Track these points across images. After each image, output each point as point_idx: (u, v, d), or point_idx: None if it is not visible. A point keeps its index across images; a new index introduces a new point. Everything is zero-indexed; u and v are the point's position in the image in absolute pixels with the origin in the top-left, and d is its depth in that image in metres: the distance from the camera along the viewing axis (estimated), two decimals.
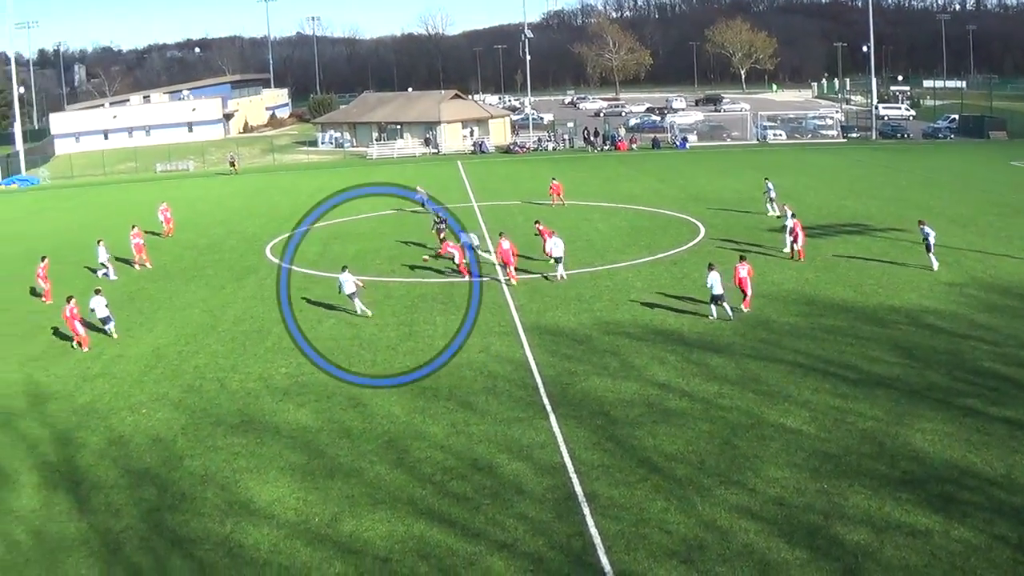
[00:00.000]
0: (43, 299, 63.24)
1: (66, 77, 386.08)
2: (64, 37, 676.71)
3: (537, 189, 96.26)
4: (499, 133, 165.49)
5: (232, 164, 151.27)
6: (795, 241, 60.71)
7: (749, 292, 49.71)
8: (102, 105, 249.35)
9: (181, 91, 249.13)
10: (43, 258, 66.03)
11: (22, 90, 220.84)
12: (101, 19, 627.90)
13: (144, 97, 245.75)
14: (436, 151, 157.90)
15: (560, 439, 34.58)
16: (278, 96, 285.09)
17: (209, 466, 34.76)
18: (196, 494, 32.56)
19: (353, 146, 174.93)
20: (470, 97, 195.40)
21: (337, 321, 52.51)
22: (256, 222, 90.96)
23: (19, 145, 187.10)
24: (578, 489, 30.55)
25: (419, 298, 56.10)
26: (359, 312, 53.62)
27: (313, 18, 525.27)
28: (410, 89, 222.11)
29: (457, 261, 60.80)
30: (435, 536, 28.13)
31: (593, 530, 28.00)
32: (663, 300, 52.43)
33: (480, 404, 38.43)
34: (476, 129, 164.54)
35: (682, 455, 32.74)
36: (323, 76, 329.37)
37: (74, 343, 52.28)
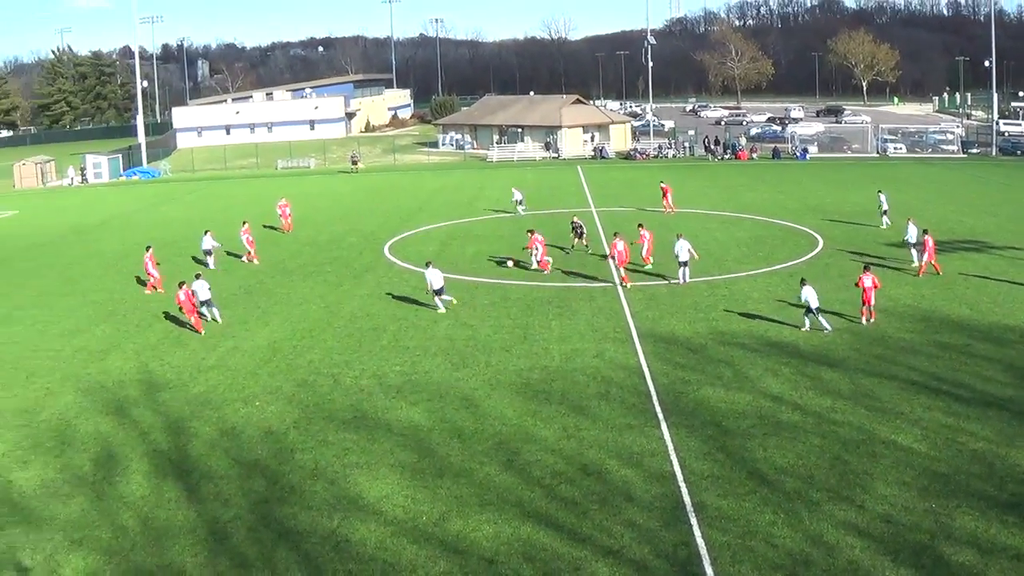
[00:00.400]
0: (146, 289, 65.37)
1: (189, 72, 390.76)
2: (188, 33, 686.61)
3: (656, 196, 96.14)
4: (620, 139, 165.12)
5: (354, 162, 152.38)
6: (924, 255, 59.81)
7: (872, 302, 49.35)
8: (225, 101, 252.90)
9: (304, 89, 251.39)
10: (148, 248, 67.84)
11: (145, 84, 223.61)
12: (225, 16, 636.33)
13: (267, 94, 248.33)
14: (556, 155, 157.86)
15: (671, 447, 34.48)
16: (400, 96, 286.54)
17: (320, 460, 35.13)
18: (305, 487, 32.94)
19: (473, 148, 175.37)
20: (591, 102, 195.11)
21: (453, 322, 52.74)
22: (375, 220, 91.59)
23: (141, 138, 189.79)
24: (687, 498, 30.44)
25: (535, 301, 56.19)
26: (442, 309, 55.05)
27: (437, 20, 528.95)
28: (532, 93, 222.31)
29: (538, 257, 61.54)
30: (541, 539, 28.19)
31: (699, 540, 27.89)
32: (779, 312, 51.98)
33: (593, 409, 38.43)
34: (597, 134, 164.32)
35: (792, 468, 32.52)
36: (445, 78, 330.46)
37: (192, 326, 53.97)
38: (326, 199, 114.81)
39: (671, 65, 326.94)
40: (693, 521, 28.97)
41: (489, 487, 31.82)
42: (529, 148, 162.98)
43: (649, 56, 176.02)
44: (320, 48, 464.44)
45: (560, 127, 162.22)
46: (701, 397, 39.48)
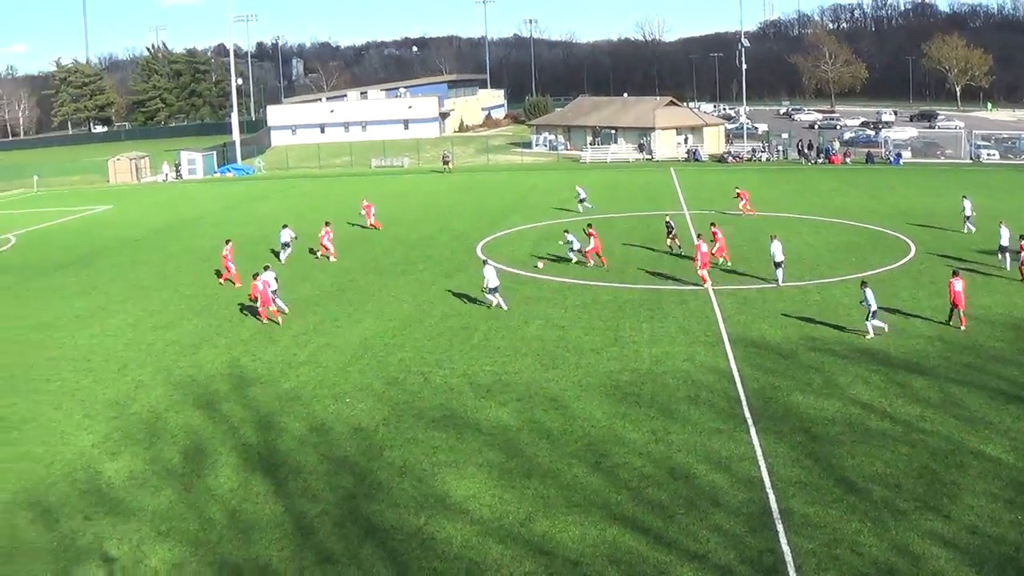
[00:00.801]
0: (220, 279, 67.59)
1: (284, 70, 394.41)
2: (283, 32, 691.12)
3: (749, 199, 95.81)
4: (713, 141, 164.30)
5: (445, 162, 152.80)
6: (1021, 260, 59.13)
7: (963, 307, 48.87)
8: (319, 99, 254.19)
9: (398, 88, 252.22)
10: (227, 242, 69.67)
11: (240, 82, 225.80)
12: (320, 15, 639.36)
13: (361, 93, 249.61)
14: (650, 157, 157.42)
15: (759, 453, 34.24)
16: (494, 97, 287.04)
17: (408, 458, 35.25)
18: (393, 485, 33.07)
19: (567, 149, 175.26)
20: (685, 104, 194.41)
21: (544, 323, 52.74)
22: (468, 220, 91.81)
23: (236, 135, 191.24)
24: (774, 505, 30.23)
25: (627, 303, 56.00)
26: (495, 305, 55.76)
27: (530, 20, 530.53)
28: (625, 94, 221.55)
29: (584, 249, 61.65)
30: (627, 542, 28.09)
31: (785, 547, 27.68)
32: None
33: (682, 413, 38.27)
34: (690, 136, 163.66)
35: (880, 477, 32.16)
36: (539, 78, 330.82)
37: (263, 319, 55.63)
38: (419, 198, 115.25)
39: (765, 68, 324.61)
40: (779, 527, 28.79)
41: (576, 488, 31.76)
42: (623, 149, 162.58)
43: (743, 58, 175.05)
44: (414, 48, 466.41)
45: (654, 129, 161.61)
46: (791, 403, 39.19)
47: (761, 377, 42.37)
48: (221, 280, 67.73)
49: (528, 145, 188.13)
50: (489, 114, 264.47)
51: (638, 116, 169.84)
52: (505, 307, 55.61)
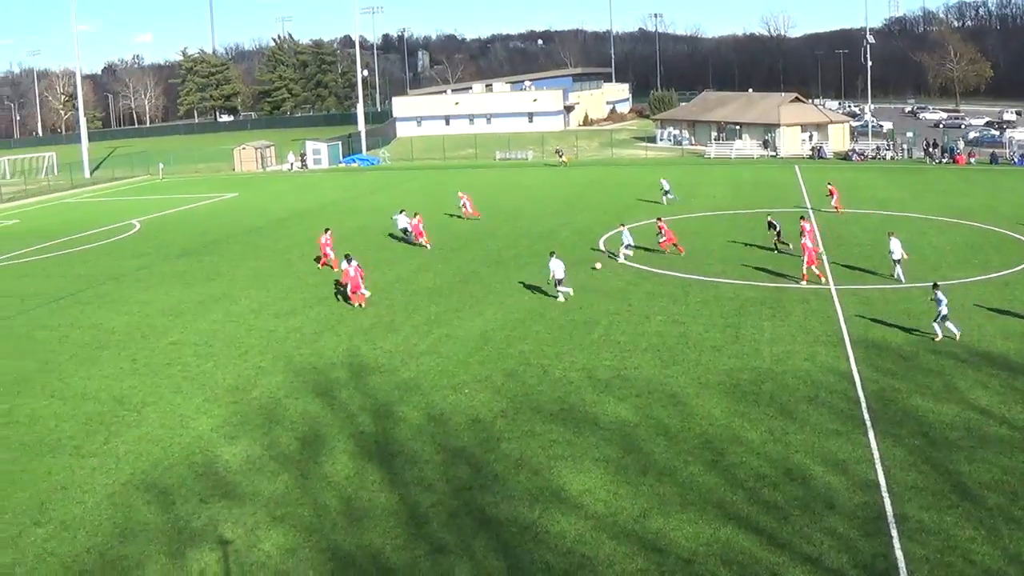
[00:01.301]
0: (319, 265, 69.68)
1: (410, 62, 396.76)
2: (409, 24, 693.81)
3: (873, 198, 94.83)
4: (838, 139, 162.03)
5: (560, 155, 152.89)
6: None
7: None
8: (444, 91, 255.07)
9: (523, 81, 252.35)
10: (326, 230, 71.87)
11: (366, 73, 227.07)
12: (446, 8, 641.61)
13: (487, 86, 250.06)
14: (774, 154, 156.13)
15: (876, 456, 33.70)
16: (619, 91, 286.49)
17: (525, 451, 35.26)
18: (509, 477, 33.10)
19: (691, 144, 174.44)
20: (810, 101, 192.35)
21: (665, 318, 52.47)
22: (590, 215, 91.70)
23: (361, 126, 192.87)
24: (889, 509, 29.73)
25: (748, 301, 55.54)
26: (561, 298, 56.56)
27: (656, 15, 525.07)
28: (750, 90, 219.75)
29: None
30: (741, 542, 27.86)
31: (898, 552, 27.24)
32: (991, 321, 50.44)
33: (800, 413, 37.86)
34: (815, 134, 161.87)
35: (996, 484, 31.49)
36: (664, 73, 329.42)
37: (356, 303, 57.40)
38: (542, 192, 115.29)
39: (890, 65, 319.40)
40: (893, 532, 28.33)
41: (692, 487, 31.57)
42: (747, 146, 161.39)
43: (868, 55, 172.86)
44: (540, 41, 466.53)
45: (778, 125, 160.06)
46: (909, 406, 38.56)
47: (881, 379, 41.77)
48: (320, 265, 69.64)
49: (652, 140, 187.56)
50: (614, 108, 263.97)
51: (763, 112, 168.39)
52: (562, 299, 56.70)
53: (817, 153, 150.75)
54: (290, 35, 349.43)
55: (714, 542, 27.91)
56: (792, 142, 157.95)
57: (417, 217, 78.72)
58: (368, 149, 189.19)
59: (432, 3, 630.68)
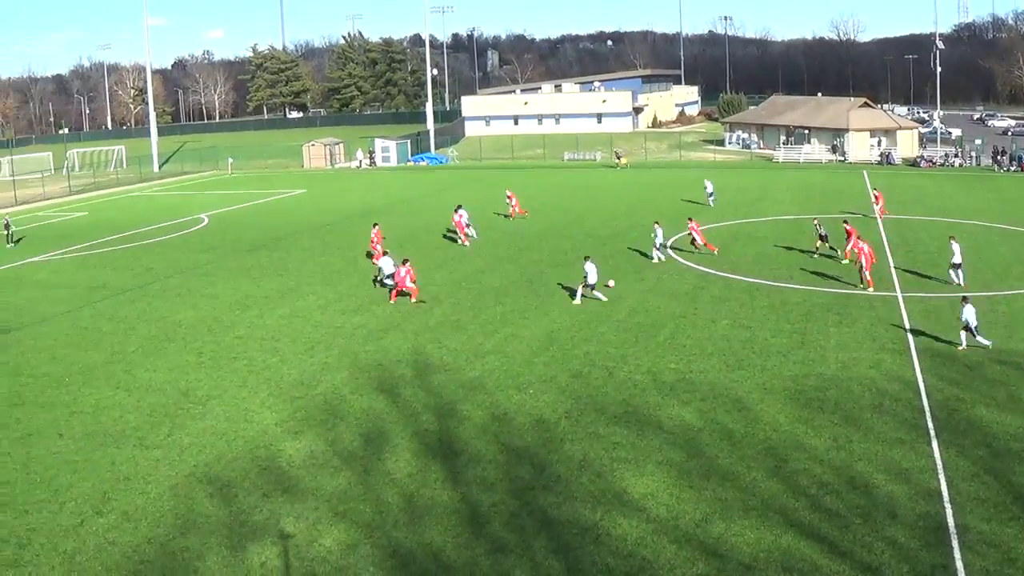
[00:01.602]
0: (373, 261, 69.71)
1: (479, 62, 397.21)
2: (478, 23, 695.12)
3: (941, 205, 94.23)
4: (906, 145, 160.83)
5: (618, 157, 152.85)
6: None
7: None
8: (513, 91, 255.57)
9: (592, 82, 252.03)
10: (375, 225, 74.44)
11: (435, 72, 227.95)
12: (516, 8, 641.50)
13: (556, 86, 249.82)
14: (842, 159, 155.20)
15: (940, 466, 33.35)
16: (688, 93, 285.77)
17: (588, 452, 35.22)
18: (571, 478, 33.06)
19: (760, 148, 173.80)
20: (879, 106, 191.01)
21: (731, 323, 52.26)
22: (659, 216, 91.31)
23: (430, 124, 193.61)
24: (950, 520, 29.44)
25: (815, 307, 55.15)
26: (597, 297, 57.06)
27: (726, 17, 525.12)
28: (819, 94, 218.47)
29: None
30: (802, 550, 27.69)
31: (959, 564, 26.95)
32: None
33: (865, 421, 37.57)
34: (883, 139, 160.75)
35: None
36: (732, 76, 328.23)
37: (412, 299, 58.66)
38: (610, 192, 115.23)
39: (959, 71, 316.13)
40: (954, 543, 28.01)
41: (754, 492, 31.43)
42: (815, 150, 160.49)
43: (937, 61, 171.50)
44: (609, 42, 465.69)
45: (847, 130, 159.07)
46: (974, 416, 38.15)
47: (946, 388, 41.38)
48: (373, 261, 69.57)
49: (721, 143, 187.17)
50: (683, 110, 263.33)
51: (832, 117, 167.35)
52: (578, 302, 57.36)
53: (885, 159, 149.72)
54: (360, 33, 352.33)
55: (775, 549, 27.78)
56: (860, 147, 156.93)
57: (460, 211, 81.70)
58: (436, 148, 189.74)
59: (502, 3, 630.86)
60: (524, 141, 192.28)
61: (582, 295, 57.29)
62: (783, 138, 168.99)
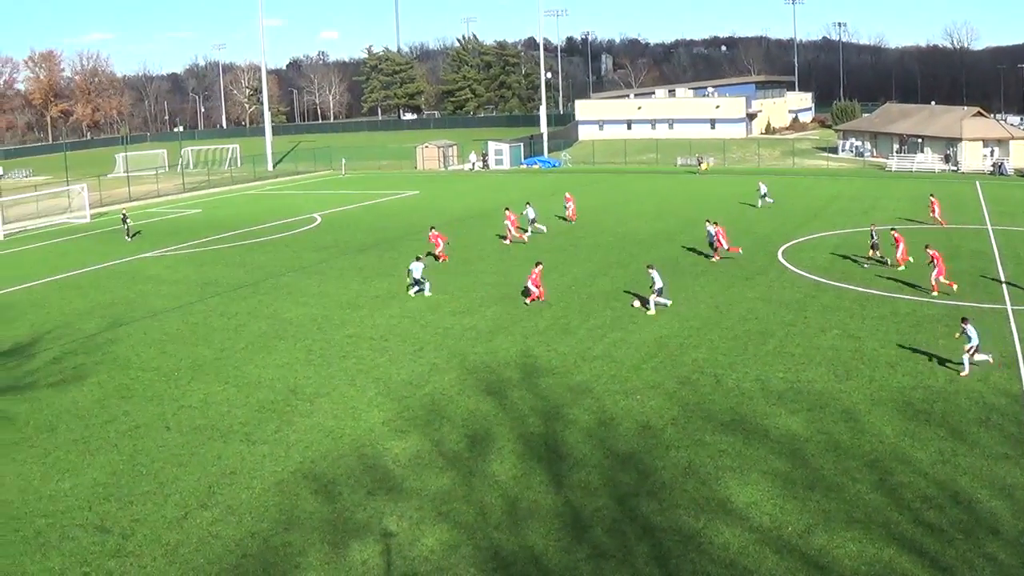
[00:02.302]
0: (438, 259, 73.11)
1: (593, 66, 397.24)
2: (592, 27, 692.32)
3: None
4: (1019, 155, 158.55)
5: (699, 163, 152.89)
6: None
7: None
8: (627, 96, 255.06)
9: (706, 87, 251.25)
10: (432, 228, 76.48)
11: (549, 75, 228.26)
12: (630, 12, 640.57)
13: (669, 91, 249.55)
14: (955, 168, 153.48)
15: None
16: (801, 100, 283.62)
17: (693, 459, 35.13)
18: (676, 485, 32.99)
19: (873, 156, 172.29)
20: (992, 116, 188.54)
21: (840, 332, 51.78)
22: (770, 224, 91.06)
23: (543, 128, 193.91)
24: None
25: (925, 318, 54.47)
26: (652, 310, 56.94)
27: (840, 24, 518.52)
28: (933, 103, 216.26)
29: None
30: (903, 564, 27.43)
31: None
32: None
33: (971, 435, 37.10)
34: (996, 149, 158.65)
35: None
36: (846, 82, 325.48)
37: (527, 301, 59.20)
38: (723, 199, 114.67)
39: None
40: None
41: (858, 504, 31.20)
42: (928, 159, 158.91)
43: None
44: (723, 47, 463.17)
45: (960, 140, 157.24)
46: None
47: None
48: (438, 256, 73.43)
49: (834, 150, 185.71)
50: (796, 117, 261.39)
51: (945, 126, 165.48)
52: (652, 311, 57.07)
53: (998, 169, 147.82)
54: (474, 35, 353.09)
55: (876, 562, 27.56)
56: (973, 157, 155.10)
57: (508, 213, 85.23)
58: (550, 151, 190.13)
59: (616, 7, 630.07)
60: (637, 146, 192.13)
61: (654, 303, 57.06)
62: (896, 146, 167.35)
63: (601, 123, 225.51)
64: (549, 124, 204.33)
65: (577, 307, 58.55)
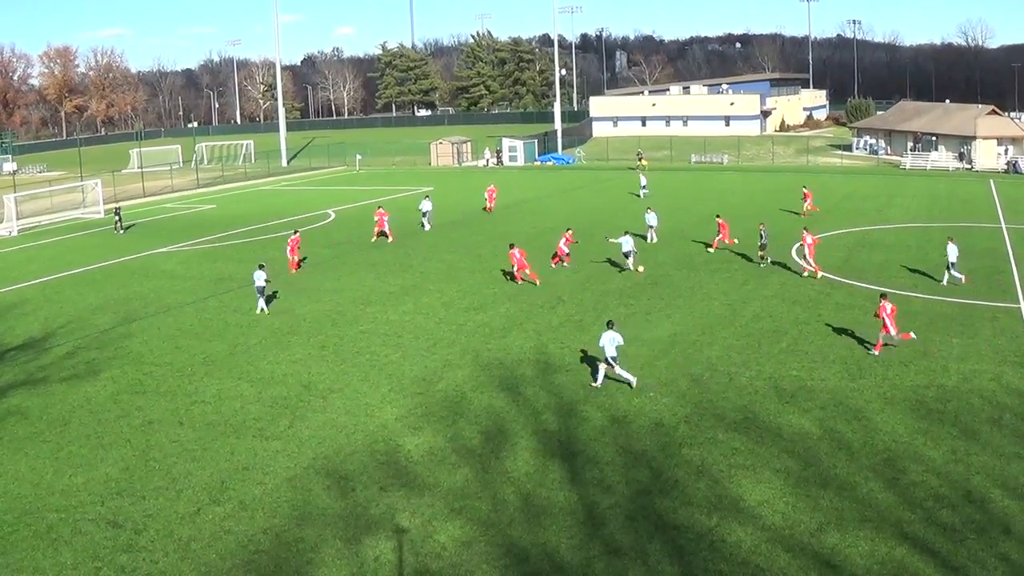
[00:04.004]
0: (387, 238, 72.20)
1: (607, 63, 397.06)
2: (607, 23, 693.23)
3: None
4: None
5: (639, 158, 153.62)
6: None
7: None
8: (641, 92, 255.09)
9: (720, 85, 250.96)
10: (379, 207, 78.21)
11: (563, 72, 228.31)
12: (645, 8, 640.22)
13: (684, 88, 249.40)
14: (969, 167, 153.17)
15: None
16: (816, 97, 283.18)
17: (706, 458, 35.14)
18: (689, 483, 33.01)
19: (887, 154, 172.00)
20: (1006, 114, 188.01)
21: (854, 330, 51.71)
22: (784, 222, 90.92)
23: (558, 124, 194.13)
24: None
25: (938, 317, 54.43)
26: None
27: (854, 21, 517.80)
28: (947, 101, 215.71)
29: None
30: (915, 563, 27.41)
31: None
32: None
33: (983, 434, 37.05)
34: (1010, 147, 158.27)
35: None
36: (861, 80, 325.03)
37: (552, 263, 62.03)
38: (737, 196, 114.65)
39: None
40: None
41: (870, 503, 31.18)
42: (942, 157, 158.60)
43: None
44: (737, 44, 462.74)
45: (975, 138, 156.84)
46: None
47: None
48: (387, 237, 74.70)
49: (848, 148, 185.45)
50: (810, 114, 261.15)
51: (959, 124, 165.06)
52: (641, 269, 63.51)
53: (1012, 167, 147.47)
54: (489, 32, 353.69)
55: (888, 561, 27.55)
56: (987, 155, 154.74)
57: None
58: (564, 148, 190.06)
59: (631, 3, 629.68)
60: (651, 142, 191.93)
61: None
62: (910, 144, 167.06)
63: (615, 120, 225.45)
64: (563, 121, 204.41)
65: (591, 304, 58.56)
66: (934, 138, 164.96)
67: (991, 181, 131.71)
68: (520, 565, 27.88)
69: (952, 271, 62.43)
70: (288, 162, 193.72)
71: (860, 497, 31.68)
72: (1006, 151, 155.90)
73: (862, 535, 29.03)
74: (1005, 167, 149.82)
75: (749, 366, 45.93)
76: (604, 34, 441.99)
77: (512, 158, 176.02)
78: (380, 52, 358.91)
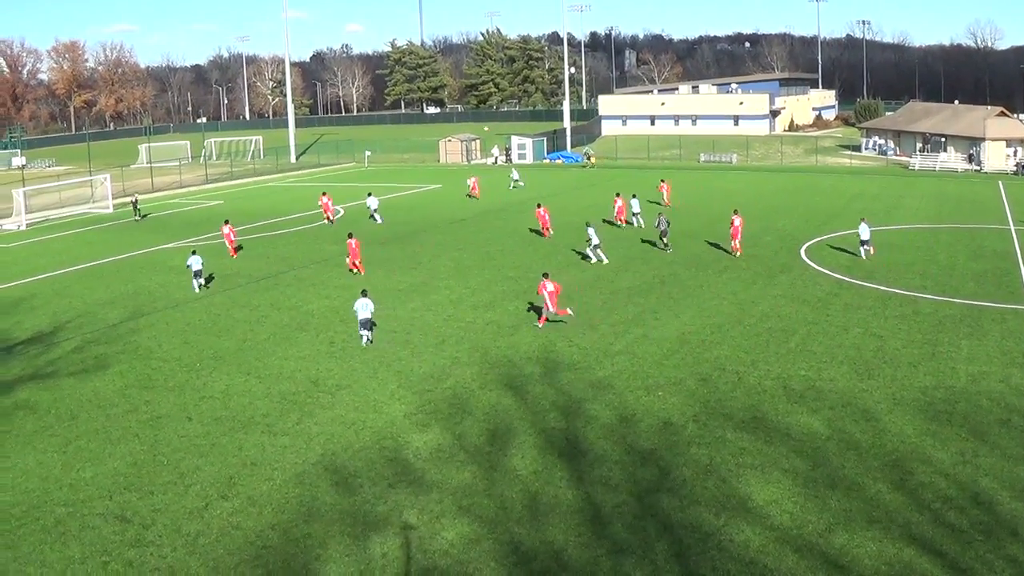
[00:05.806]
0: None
1: (616, 61, 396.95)
2: (616, 22, 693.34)
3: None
4: None
5: (588, 157, 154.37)
6: None
7: None
8: (651, 91, 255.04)
9: (729, 84, 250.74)
10: (226, 221, 77.42)
11: (573, 70, 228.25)
12: (654, 7, 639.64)
13: (693, 87, 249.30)
14: (978, 168, 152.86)
15: None
16: (825, 97, 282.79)
17: (714, 457, 35.10)
18: (696, 483, 32.97)
19: (896, 155, 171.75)
20: (1015, 115, 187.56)
21: (863, 331, 51.63)
22: (794, 221, 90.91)
23: (567, 122, 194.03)
24: None
25: (946, 318, 54.32)
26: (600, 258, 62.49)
27: (863, 22, 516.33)
28: (956, 102, 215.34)
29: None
30: (922, 564, 27.36)
31: None
32: None
33: (992, 436, 36.99)
34: (1020, 149, 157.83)
35: None
36: (870, 80, 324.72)
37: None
38: (746, 196, 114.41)
39: None
40: None
41: (879, 504, 31.14)
42: (951, 158, 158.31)
43: None
44: (746, 44, 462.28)
45: (983, 139, 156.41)
46: None
47: None
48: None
49: (857, 148, 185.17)
50: (819, 114, 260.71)
51: (968, 125, 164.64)
52: (595, 260, 65.21)
53: (1021, 169, 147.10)
54: (498, 30, 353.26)
55: (896, 562, 27.51)
56: (996, 157, 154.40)
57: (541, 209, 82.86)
58: (573, 146, 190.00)
59: (640, 2, 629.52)
60: (660, 141, 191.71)
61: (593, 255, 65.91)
62: (919, 145, 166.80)
63: (624, 118, 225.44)
64: (573, 119, 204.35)
65: (599, 302, 58.54)
66: (943, 139, 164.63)
67: (1000, 183, 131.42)
68: (526, 564, 27.87)
69: (864, 247, 70.98)
70: (297, 158, 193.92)
71: (868, 498, 31.62)
72: (1015, 152, 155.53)
73: (870, 536, 28.98)
74: (1014, 168, 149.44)
75: (758, 366, 45.88)
76: (613, 32, 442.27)
77: (521, 156, 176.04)
78: (389, 49, 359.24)
